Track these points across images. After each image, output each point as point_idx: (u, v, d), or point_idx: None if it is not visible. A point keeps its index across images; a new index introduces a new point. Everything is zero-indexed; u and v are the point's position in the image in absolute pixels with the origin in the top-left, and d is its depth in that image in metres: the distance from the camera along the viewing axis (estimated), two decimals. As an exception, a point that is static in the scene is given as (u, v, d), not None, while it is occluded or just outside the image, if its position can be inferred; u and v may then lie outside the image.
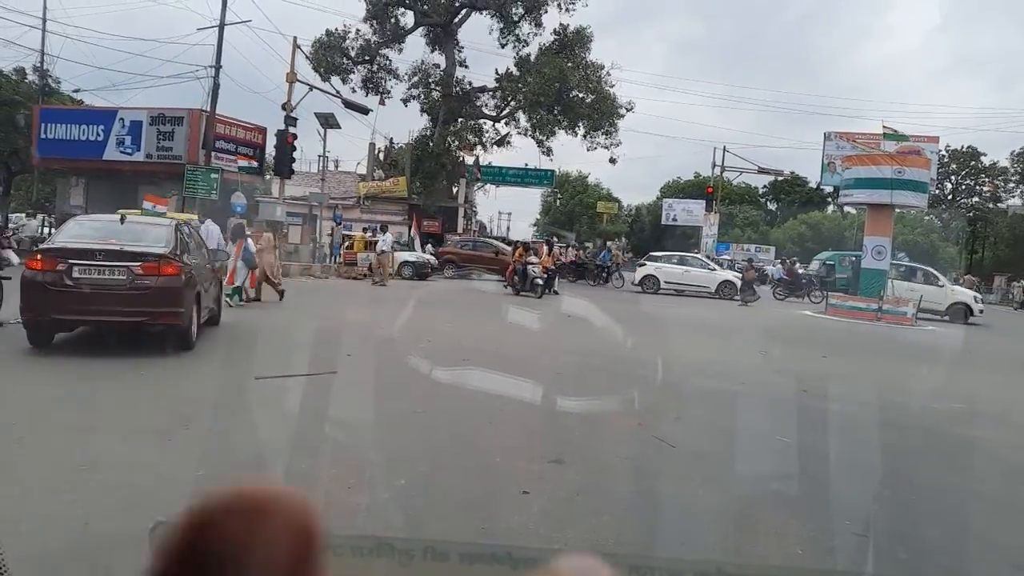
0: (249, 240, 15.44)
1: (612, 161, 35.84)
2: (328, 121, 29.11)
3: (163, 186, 27.51)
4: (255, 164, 29.53)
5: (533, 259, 21.59)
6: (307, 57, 31.48)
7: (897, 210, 28.01)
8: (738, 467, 5.64)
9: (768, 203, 74.82)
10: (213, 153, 26.45)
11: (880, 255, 24.46)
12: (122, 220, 9.45)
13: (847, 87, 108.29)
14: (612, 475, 5.42)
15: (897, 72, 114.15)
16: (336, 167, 43.94)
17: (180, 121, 27.10)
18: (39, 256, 8.53)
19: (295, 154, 27.98)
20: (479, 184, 39.83)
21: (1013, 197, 60.86)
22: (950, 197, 64.73)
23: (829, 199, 64.09)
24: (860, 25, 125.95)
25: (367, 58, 35.04)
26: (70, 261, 8.26)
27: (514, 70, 34.54)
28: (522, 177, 41.06)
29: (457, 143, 35.00)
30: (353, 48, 34.91)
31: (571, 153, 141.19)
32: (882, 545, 4.25)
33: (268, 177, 34.29)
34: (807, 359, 12.38)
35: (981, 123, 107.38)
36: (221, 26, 26.30)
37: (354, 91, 34.55)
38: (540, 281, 20.84)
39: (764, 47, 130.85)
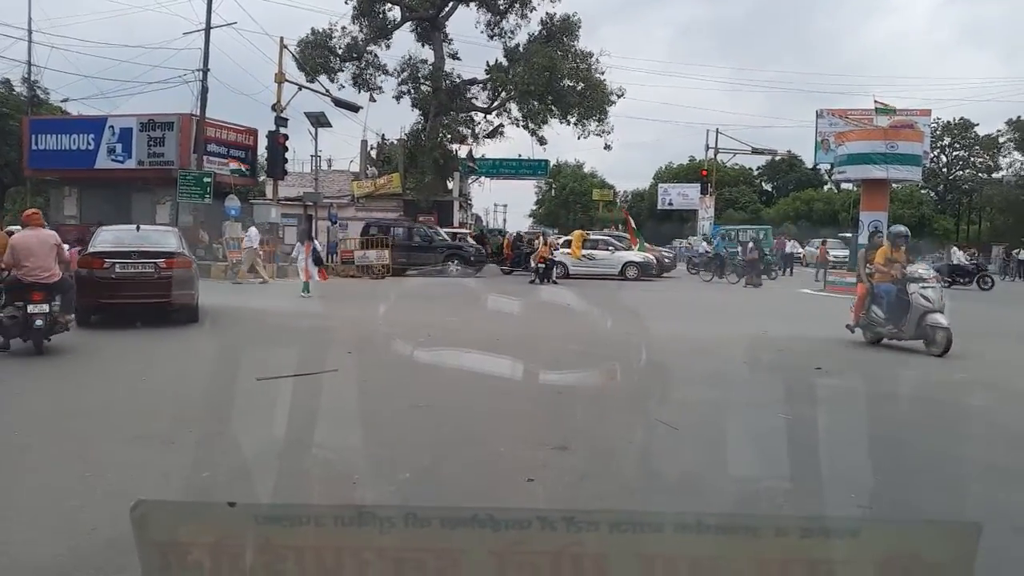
0: (316, 241, 17.96)
1: (607, 147, 35.79)
2: (319, 120, 29.02)
3: (156, 192, 27.48)
4: (247, 167, 29.44)
5: (924, 269, 11.16)
6: (294, 57, 31.36)
7: (893, 184, 28.08)
8: (741, 445, 5.65)
9: (763, 184, 74.67)
10: (205, 157, 26.37)
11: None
12: (138, 228, 12.74)
13: (852, 65, 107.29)
14: (617, 459, 5.42)
15: (903, 47, 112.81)
16: (329, 166, 43.82)
17: (170, 126, 26.99)
18: (88, 258, 11.29)
19: (287, 155, 27.96)
20: (473, 177, 39.75)
21: (1004, 171, 60.81)
22: (944, 170, 64.69)
23: (826, 176, 63.94)
24: (866, 2, 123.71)
25: (354, 55, 34.86)
26: (112, 260, 11.17)
27: (504, 61, 34.42)
28: (516, 168, 40.98)
29: (449, 136, 34.88)
30: (340, 46, 34.73)
31: (565, 142, 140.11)
32: (886, 515, 4.26)
33: (261, 179, 34.22)
34: (808, 337, 12.38)
35: (990, 94, 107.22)
36: (207, 29, 26.21)
37: (342, 88, 34.41)
38: (944, 321, 10.18)
39: (769, 28, 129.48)
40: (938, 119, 57.82)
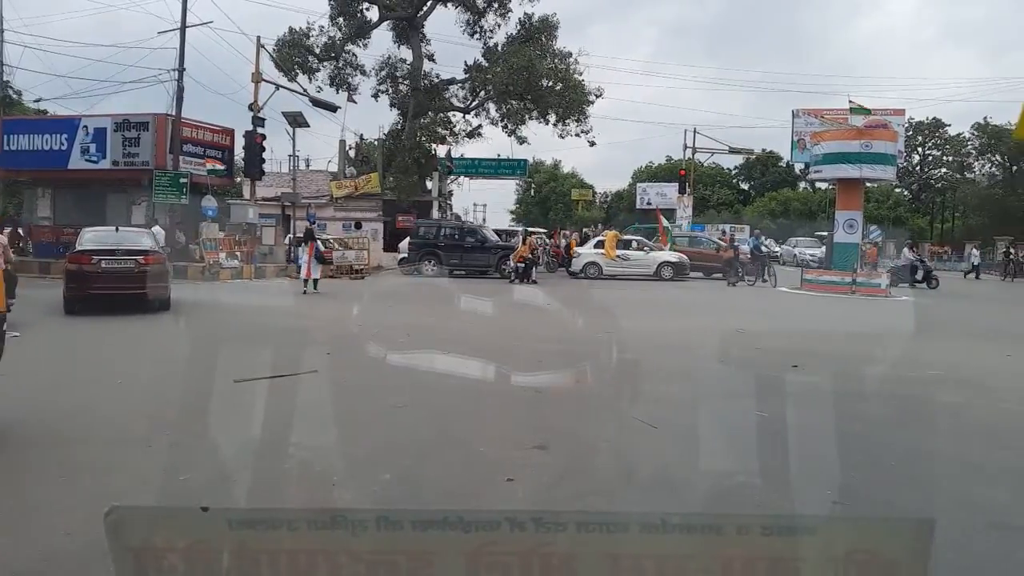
0: (319, 241, 18.91)
1: (591, 144, 35.79)
2: (296, 120, 28.86)
3: (131, 193, 27.16)
4: (224, 167, 29.21)
5: None
6: (271, 57, 31.16)
7: (868, 184, 28.41)
8: (718, 444, 5.70)
9: (741, 183, 75.17)
10: (181, 157, 26.12)
11: (852, 229, 24.79)
12: (116, 229, 14.55)
13: (835, 64, 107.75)
14: (596, 458, 5.46)
15: (886, 47, 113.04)
16: (307, 166, 43.65)
17: (145, 126, 26.67)
18: (77, 255, 13.10)
19: (265, 155, 27.79)
20: (452, 177, 39.72)
21: (977, 171, 61.77)
22: (918, 168, 65.52)
23: (801, 175, 64.49)
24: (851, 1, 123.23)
25: (332, 55, 34.72)
26: (99, 256, 12.99)
27: (482, 61, 34.41)
28: (495, 168, 40.99)
29: (428, 136, 34.81)
30: (317, 45, 34.57)
31: (546, 142, 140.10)
32: (861, 511, 4.32)
33: (239, 179, 33.96)
34: (786, 335, 12.51)
35: (973, 93, 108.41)
36: (183, 28, 25.95)
37: (320, 89, 34.23)
38: None
39: (753, 28, 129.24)
40: (911, 119, 58.55)
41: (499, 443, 5.72)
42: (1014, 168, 57.70)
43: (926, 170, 65.88)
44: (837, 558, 1.18)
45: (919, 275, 24.70)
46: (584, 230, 40.19)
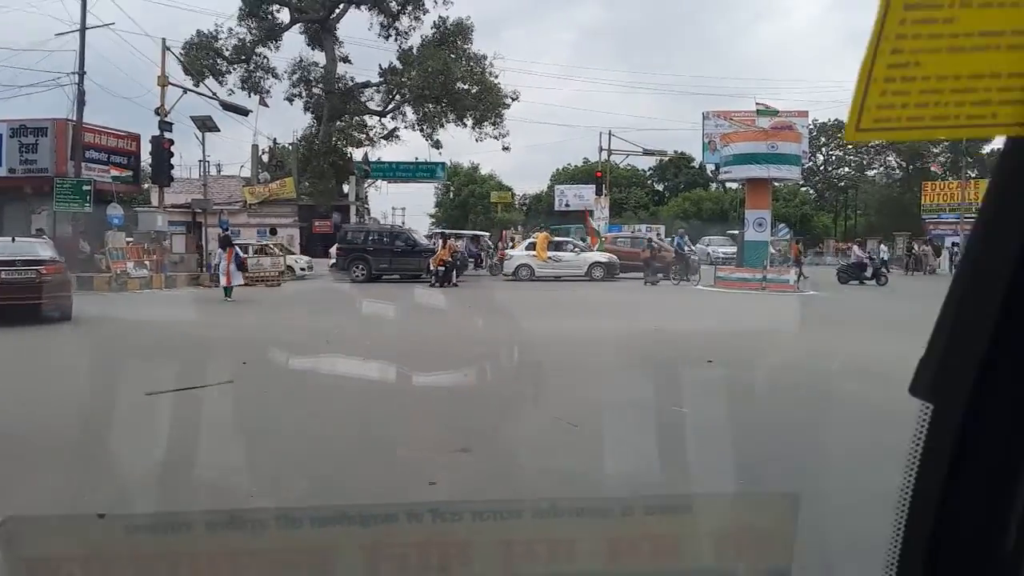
0: (237, 248, 19.06)
1: (505, 149, 36.11)
2: (206, 124, 28.07)
3: (30, 201, 25.94)
4: (130, 173, 28.18)
5: None
6: (179, 60, 30.25)
7: (775, 183, 29.50)
8: (638, 440, 5.83)
9: (655, 184, 76.80)
10: (83, 164, 25.07)
11: (761, 227, 25.70)
12: (13, 239, 14.31)
13: (743, 67, 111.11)
14: (519, 459, 5.51)
15: (791, 51, 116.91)
16: (219, 172, 42.49)
17: (44, 132, 25.53)
18: None
19: (173, 160, 26.93)
20: (369, 181, 39.37)
21: (873, 170, 64.95)
22: (822, 168, 68.39)
23: (712, 176, 66.39)
24: (759, 6, 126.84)
25: (243, 57, 33.98)
26: None
27: (397, 64, 34.25)
28: (413, 171, 40.87)
29: (344, 140, 34.42)
30: (227, 48, 33.78)
31: (465, 145, 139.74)
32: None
33: (146, 186, 32.83)
34: (701, 332, 12.87)
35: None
36: (82, 30, 24.92)
37: (232, 92, 33.47)
38: None
39: (664, 32, 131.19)
40: (815, 120, 61.03)
41: (421, 447, 5.72)
42: (910, 167, 60.84)
43: (830, 170, 68.78)
44: (713, 532, 1.25)
45: (868, 272, 25.64)
46: (504, 232, 40.39)
